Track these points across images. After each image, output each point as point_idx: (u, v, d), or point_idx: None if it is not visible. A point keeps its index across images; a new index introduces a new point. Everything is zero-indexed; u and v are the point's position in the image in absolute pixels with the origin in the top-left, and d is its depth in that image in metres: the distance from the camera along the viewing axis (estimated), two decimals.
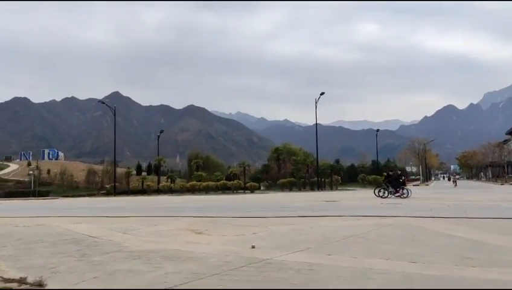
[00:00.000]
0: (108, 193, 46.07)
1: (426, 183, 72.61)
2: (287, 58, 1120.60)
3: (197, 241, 8.20)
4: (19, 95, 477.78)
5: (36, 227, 11.45)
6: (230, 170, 52.19)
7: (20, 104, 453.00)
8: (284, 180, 47.42)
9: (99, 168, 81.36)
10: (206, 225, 11.22)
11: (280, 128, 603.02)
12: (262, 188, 49.79)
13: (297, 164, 50.00)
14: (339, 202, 20.16)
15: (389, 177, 24.38)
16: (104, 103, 42.38)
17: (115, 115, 42.51)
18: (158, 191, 45.54)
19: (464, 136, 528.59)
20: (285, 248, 7.03)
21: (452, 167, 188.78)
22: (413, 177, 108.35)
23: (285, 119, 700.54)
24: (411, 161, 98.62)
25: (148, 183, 47.09)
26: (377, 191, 24.40)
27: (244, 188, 44.03)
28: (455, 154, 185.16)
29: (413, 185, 64.80)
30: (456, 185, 51.24)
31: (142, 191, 45.09)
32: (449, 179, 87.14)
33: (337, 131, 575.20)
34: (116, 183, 48.18)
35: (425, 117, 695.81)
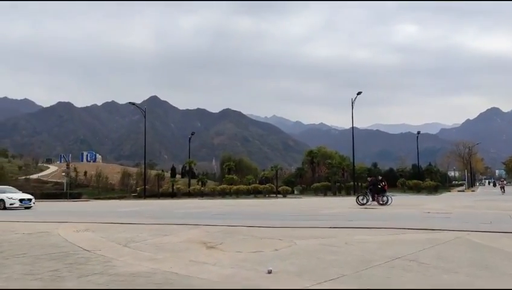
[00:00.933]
0: (139, 196, 45.55)
1: (472, 189, 68.48)
2: (323, 61, 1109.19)
3: (203, 260, 6.65)
4: (63, 100, 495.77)
5: (35, 235, 10.28)
6: (263, 173, 50.53)
7: (64, 108, 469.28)
8: (318, 184, 45.43)
9: (134, 170, 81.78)
10: (224, 236, 9.70)
11: (316, 131, 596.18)
12: (295, 192, 47.97)
13: (332, 168, 47.83)
14: (379, 210, 18.18)
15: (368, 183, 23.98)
16: (134, 104, 41.87)
17: (145, 116, 41.89)
18: (189, 195, 44.58)
19: (509, 140, 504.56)
20: (310, 273, 5.39)
21: (497, 171, 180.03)
22: (456, 182, 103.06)
23: (321, 123, 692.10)
24: (454, 165, 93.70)
25: (179, 186, 46.25)
26: (360, 198, 23.49)
27: (276, 192, 42.37)
28: (500, 159, 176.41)
29: (458, 191, 61.08)
30: (504, 191, 47.53)
31: (172, 194, 44.27)
32: (494, 185, 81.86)
33: (375, 134, 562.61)
34: (149, 186, 47.61)
35: (468, 120, 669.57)
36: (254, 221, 13.68)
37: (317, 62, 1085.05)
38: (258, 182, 48.16)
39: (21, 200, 24.19)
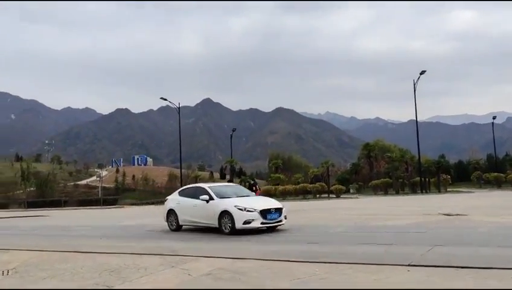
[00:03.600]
0: None
1: None
2: (376, 55, 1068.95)
3: None
4: (120, 107, 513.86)
5: None
6: (312, 171, 45.12)
7: (122, 114, 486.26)
8: (377, 181, 39.56)
9: (194, 173, 79.10)
10: (211, 287, 5.14)
11: (372, 126, 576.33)
12: (351, 190, 42.38)
13: (393, 162, 41.69)
14: (471, 218, 12.65)
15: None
16: (166, 99, 38.21)
17: (179, 113, 38.14)
18: None
19: None
20: None
21: None
22: None
23: (377, 117, 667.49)
24: None
25: None
26: None
27: (328, 192, 37.00)
28: None
29: None
30: None
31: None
32: None
33: (435, 127, 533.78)
34: None
35: None
36: (280, 246, 8.90)
37: (369, 56, 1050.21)
38: (309, 181, 42.97)
39: (263, 213, 11.11)
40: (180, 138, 38.94)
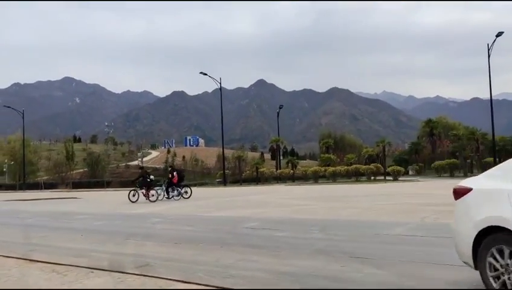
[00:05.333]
0: (223, 182, 39.93)
1: None
2: (436, 29, 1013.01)
3: None
4: (176, 89, 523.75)
5: None
6: (365, 150, 41.16)
7: (178, 97, 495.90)
8: (441, 162, 35.16)
9: (230, 153, 77.50)
10: None
11: (431, 105, 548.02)
12: (410, 172, 38.29)
13: (460, 140, 36.92)
14: None
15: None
16: (206, 74, 35.80)
17: (220, 89, 35.75)
18: (279, 179, 37.70)
19: None
20: None
21: None
22: None
23: (437, 96, 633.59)
24: None
25: (263, 169, 39.51)
26: (131, 194, 19.20)
27: (384, 174, 33.24)
28: None
29: None
30: None
31: (256, 180, 37.61)
32: None
33: (501, 105, 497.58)
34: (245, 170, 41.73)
35: None
36: (304, 261, 5.91)
37: (429, 31, 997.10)
38: (363, 162, 39.31)
39: None
40: (222, 116, 36.88)
